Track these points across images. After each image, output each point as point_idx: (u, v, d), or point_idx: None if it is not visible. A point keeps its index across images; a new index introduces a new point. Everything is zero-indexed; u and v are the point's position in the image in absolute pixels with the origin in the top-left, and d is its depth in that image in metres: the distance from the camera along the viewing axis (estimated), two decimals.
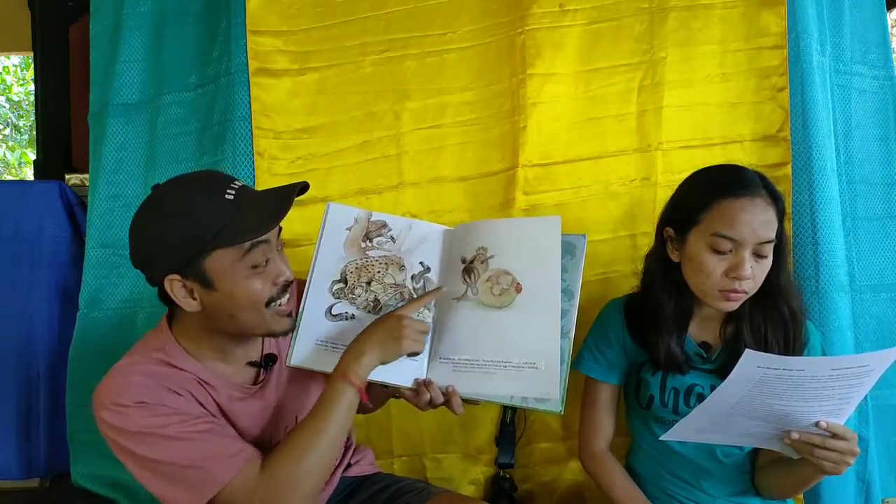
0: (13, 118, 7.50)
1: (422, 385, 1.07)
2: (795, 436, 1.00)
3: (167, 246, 0.97)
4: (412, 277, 1.14)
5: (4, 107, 7.46)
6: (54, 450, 1.73)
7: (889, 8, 1.77)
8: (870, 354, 0.93)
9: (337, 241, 1.15)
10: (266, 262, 1.00)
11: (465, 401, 1.08)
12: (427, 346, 1.10)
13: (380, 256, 1.14)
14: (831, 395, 0.96)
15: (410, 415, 1.51)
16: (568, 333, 1.07)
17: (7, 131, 7.53)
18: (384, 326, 1.05)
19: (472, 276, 1.11)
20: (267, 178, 1.48)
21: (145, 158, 1.57)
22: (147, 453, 0.96)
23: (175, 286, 0.99)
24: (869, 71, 1.57)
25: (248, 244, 0.97)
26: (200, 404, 1.03)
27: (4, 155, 7.38)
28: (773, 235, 1.11)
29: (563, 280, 1.08)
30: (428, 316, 1.12)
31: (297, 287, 1.17)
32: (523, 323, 1.07)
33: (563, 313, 1.07)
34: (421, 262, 1.14)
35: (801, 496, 1.39)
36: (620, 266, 1.48)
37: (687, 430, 1.05)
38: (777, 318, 1.18)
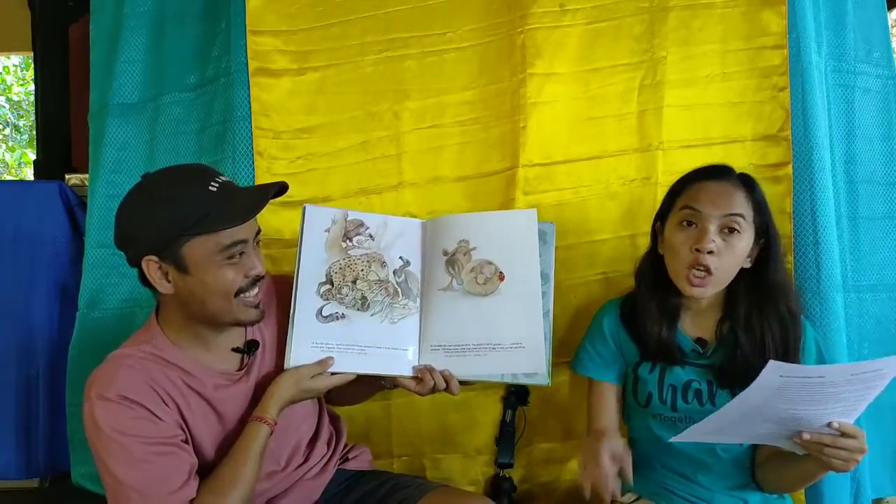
0: (13, 118, 7.50)
1: (424, 371, 1.14)
2: (807, 436, 1.01)
3: (149, 229, 1.02)
4: (394, 272, 1.20)
5: (4, 107, 7.45)
6: (54, 450, 1.73)
7: (889, 8, 1.76)
8: (888, 359, 0.94)
9: (318, 244, 1.19)
10: (240, 255, 1.05)
11: (460, 382, 1.16)
12: (416, 336, 1.17)
13: (361, 255, 1.19)
14: (846, 399, 0.97)
15: (410, 415, 1.51)
16: (547, 313, 1.18)
17: (7, 131, 7.53)
18: (297, 383, 1.13)
19: (456, 268, 1.19)
20: (267, 178, 1.47)
21: (145, 158, 1.56)
22: (107, 459, 1.01)
23: (151, 267, 1.04)
24: (873, 70, 1.56)
25: (228, 241, 1.03)
26: (179, 410, 1.07)
27: (4, 155, 7.38)
28: (738, 210, 1.14)
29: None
30: (413, 308, 1.19)
31: (276, 283, 1.24)
32: (508, 308, 1.17)
33: (542, 295, 1.17)
34: (401, 257, 1.21)
35: (801, 493, 1.40)
36: (620, 266, 1.47)
37: (699, 434, 1.06)
38: (773, 316, 1.18)
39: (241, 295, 1.07)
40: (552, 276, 1.20)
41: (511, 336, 1.15)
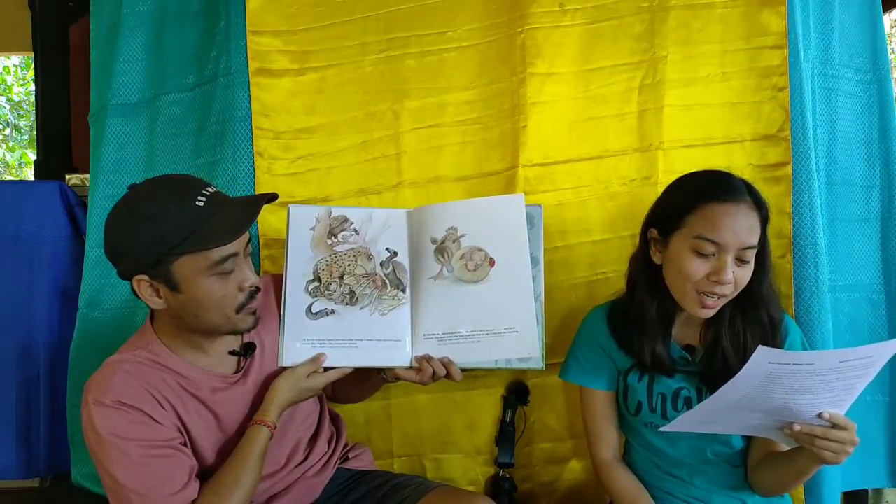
0: (13, 118, 7.49)
1: (423, 360, 1.15)
2: (797, 427, 1.00)
3: (136, 248, 1.00)
4: (381, 264, 1.21)
5: (4, 107, 7.45)
6: (54, 450, 1.73)
7: (887, 9, 1.76)
8: (875, 346, 0.94)
9: (303, 242, 1.20)
10: (232, 269, 1.05)
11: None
12: (409, 327, 1.18)
13: (347, 250, 1.21)
14: (836, 388, 0.96)
15: (410, 415, 1.51)
16: (539, 297, 1.19)
17: (7, 131, 7.52)
18: (295, 384, 1.14)
19: (446, 256, 1.19)
20: (267, 178, 1.48)
21: (145, 158, 1.56)
22: (106, 463, 1.01)
23: (142, 286, 1.03)
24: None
25: (218, 257, 1.02)
26: (177, 414, 1.07)
27: (4, 155, 7.37)
28: (755, 241, 1.11)
29: None
30: (404, 298, 1.19)
31: (275, 282, 1.23)
32: (500, 293, 1.18)
33: (532, 278, 1.18)
34: (387, 248, 1.22)
35: (802, 493, 1.40)
36: (620, 266, 1.46)
37: (689, 422, 1.06)
38: (756, 325, 1.17)
39: (243, 310, 1.08)
40: (542, 259, 1.21)
41: (504, 321, 1.17)
